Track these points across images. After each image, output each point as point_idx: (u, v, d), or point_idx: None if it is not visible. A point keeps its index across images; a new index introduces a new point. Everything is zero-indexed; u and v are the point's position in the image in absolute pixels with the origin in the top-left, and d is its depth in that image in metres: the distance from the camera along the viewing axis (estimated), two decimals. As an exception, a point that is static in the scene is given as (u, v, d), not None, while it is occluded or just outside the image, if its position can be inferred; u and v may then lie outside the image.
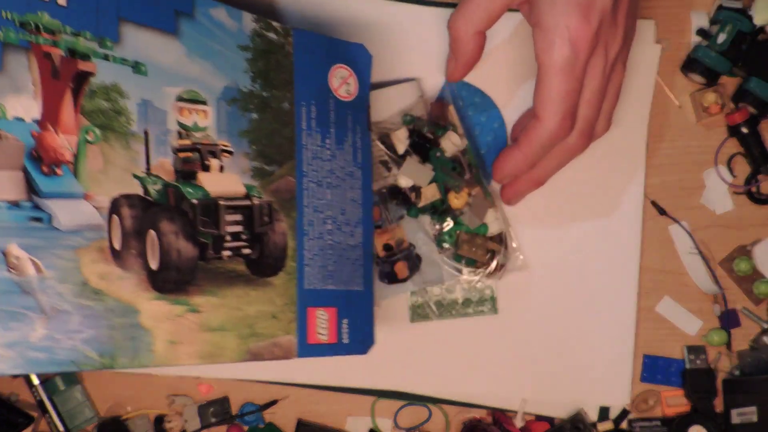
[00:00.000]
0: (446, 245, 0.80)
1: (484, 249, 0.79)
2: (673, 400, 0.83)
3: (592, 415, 0.82)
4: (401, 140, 0.78)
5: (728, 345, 0.83)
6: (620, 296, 0.82)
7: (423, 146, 0.78)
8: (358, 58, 0.76)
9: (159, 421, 0.84)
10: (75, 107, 0.57)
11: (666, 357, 0.83)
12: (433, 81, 0.83)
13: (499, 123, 0.83)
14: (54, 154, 0.57)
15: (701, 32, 0.82)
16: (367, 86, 0.77)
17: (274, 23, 0.70)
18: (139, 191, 0.61)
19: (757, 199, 0.83)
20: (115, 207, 0.59)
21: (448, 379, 0.82)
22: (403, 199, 0.79)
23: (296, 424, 0.84)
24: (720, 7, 0.82)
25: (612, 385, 0.82)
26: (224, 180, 0.66)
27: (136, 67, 0.61)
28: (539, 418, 0.83)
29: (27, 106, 0.55)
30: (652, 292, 0.83)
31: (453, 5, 0.83)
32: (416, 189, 0.78)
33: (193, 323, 0.62)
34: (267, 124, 0.69)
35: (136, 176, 0.61)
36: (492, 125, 0.83)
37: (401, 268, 0.79)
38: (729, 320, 0.82)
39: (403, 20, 0.83)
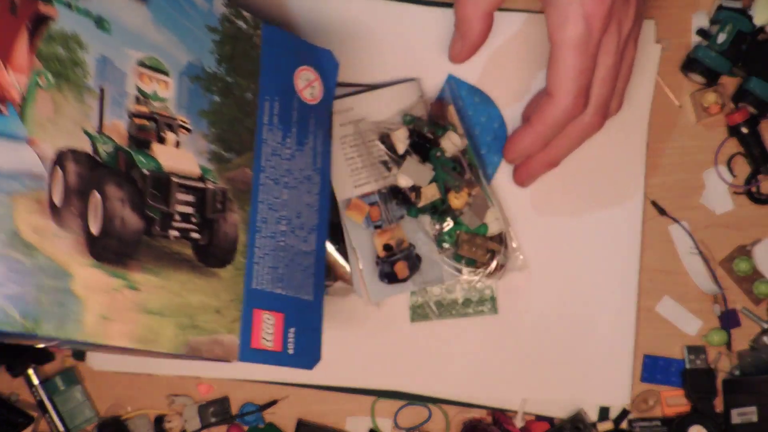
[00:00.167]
0: (446, 245, 0.80)
1: (484, 249, 0.79)
2: (673, 400, 0.83)
3: (592, 415, 0.82)
4: (401, 140, 0.78)
5: (728, 345, 0.83)
6: (620, 296, 0.82)
7: (423, 146, 0.78)
8: (325, 63, 0.76)
9: (159, 421, 0.84)
10: (30, 48, 0.56)
11: (666, 357, 0.83)
12: (433, 81, 0.83)
13: (499, 123, 0.83)
14: (1, 91, 0.55)
15: (701, 32, 0.82)
16: (331, 93, 0.76)
17: (245, 12, 0.70)
18: (88, 149, 0.59)
19: (757, 199, 0.83)
20: (60, 159, 0.56)
21: (448, 379, 0.82)
22: (403, 199, 0.79)
23: (296, 424, 0.84)
24: (720, 7, 0.82)
25: (612, 385, 0.82)
26: (179, 156, 0.64)
27: (99, 23, 0.60)
28: (539, 418, 0.83)
29: None
30: (652, 292, 0.83)
31: (453, 5, 0.83)
32: (416, 189, 0.78)
33: (130, 301, 0.59)
34: (228, 109, 0.67)
35: (86, 132, 0.58)
36: (492, 125, 0.83)
37: (401, 268, 0.79)
38: (729, 320, 0.82)
39: (403, 20, 0.83)
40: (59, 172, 0.57)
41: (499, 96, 0.83)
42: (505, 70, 0.83)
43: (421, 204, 0.78)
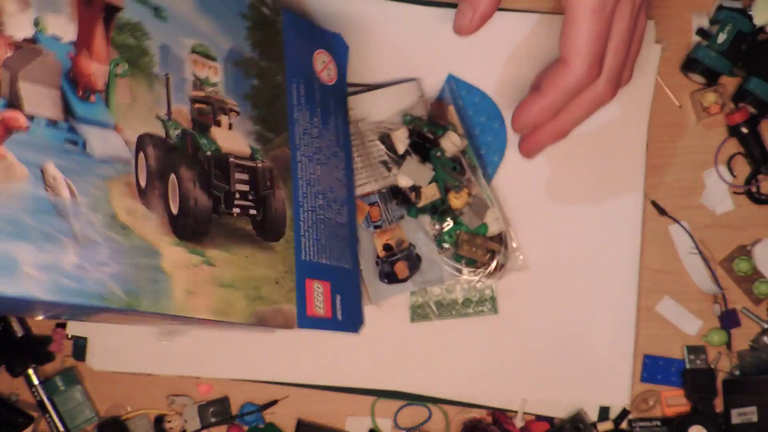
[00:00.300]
0: (446, 245, 0.80)
1: (484, 249, 0.79)
2: (673, 400, 0.83)
3: (592, 415, 0.82)
4: (401, 140, 0.78)
5: (728, 345, 0.83)
6: (620, 296, 0.82)
7: (423, 146, 0.78)
8: (336, 46, 0.79)
9: (159, 421, 0.84)
10: (106, 37, 0.59)
11: (666, 357, 0.83)
12: (433, 81, 0.83)
13: (499, 123, 0.83)
14: (88, 80, 0.58)
15: (701, 32, 0.82)
16: (344, 74, 0.79)
17: None
18: (162, 134, 0.62)
19: (757, 199, 0.83)
20: (141, 144, 0.60)
21: (448, 379, 0.82)
22: (403, 199, 0.79)
23: (296, 424, 0.84)
24: (720, 7, 0.82)
25: (612, 385, 0.82)
26: (232, 138, 0.67)
27: (157, 12, 0.63)
28: (539, 418, 0.83)
29: (64, 27, 0.57)
30: (652, 292, 0.83)
31: (453, 5, 0.83)
32: (416, 189, 0.78)
33: (207, 275, 0.62)
34: (265, 92, 0.70)
35: (159, 117, 0.62)
36: (492, 125, 0.83)
37: (401, 268, 0.79)
38: (729, 320, 0.82)
39: (402, 20, 0.83)
40: (142, 156, 0.60)
41: (499, 96, 0.83)
42: (505, 70, 0.83)
43: (421, 204, 0.78)
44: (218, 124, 0.66)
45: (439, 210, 0.79)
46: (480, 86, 0.83)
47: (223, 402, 0.84)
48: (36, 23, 0.55)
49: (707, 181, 0.84)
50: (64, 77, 0.57)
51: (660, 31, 0.83)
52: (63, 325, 0.84)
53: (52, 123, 0.55)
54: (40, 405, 0.84)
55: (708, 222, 0.83)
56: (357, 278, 0.77)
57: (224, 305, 0.63)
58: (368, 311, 0.81)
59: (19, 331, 0.84)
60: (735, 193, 0.84)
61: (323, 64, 0.76)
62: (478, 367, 0.82)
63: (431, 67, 0.83)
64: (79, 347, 0.84)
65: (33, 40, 0.55)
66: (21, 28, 0.55)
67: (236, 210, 0.66)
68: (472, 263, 0.79)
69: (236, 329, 0.73)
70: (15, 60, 0.54)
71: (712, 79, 0.82)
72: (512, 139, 0.83)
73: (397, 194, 0.79)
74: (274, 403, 0.84)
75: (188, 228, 0.62)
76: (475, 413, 0.83)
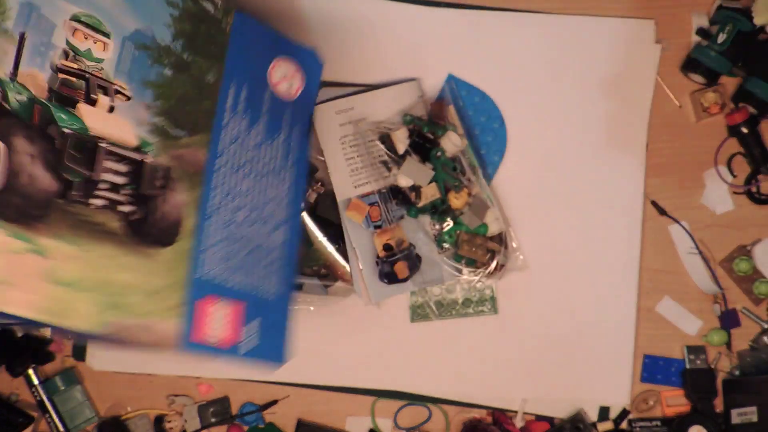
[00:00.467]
0: (446, 245, 0.80)
1: (484, 249, 0.79)
2: (673, 400, 0.83)
3: (592, 415, 0.82)
4: (401, 140, 0.78)
5: (728, 345, 0.83)
6: (620, 296, 0.82)
7: (423, 146, 0.78)
8: (308, 62, 0.74)
9: (159, 421, 0.84)
10: None
11: (666, 357, 0.83)
12: (433, 81, 0.83)
13: (499, 123, 0.83)
14: None
15: (701, 32, 0.82)
16: (313, 92, 0.74)
17: None
18: None
19: (757, 199, 0.83)
20: None
21: (448, 379, 0.82)
22: (403, 199, 0.79)
23: (296, 424, 0.84)
24: (720, 7, 0.82)
25: (612, 385, 0.82)
26: (112, 122, 0.60)
27: None
28: (539, 418, 0.83)
29: None
30: (652, 292, 0.83)
31: (453, 5, 0.83)
32: (416, 189, 0.78)
33: (34, 268, 0.54)
34: (181, 86, 0.64)
35: None
36: (492, 125, 0.83)
37: (401, 268, 0.79)
38: (729, 320, 0.82)
39: (403, 20, 0.83)
40: None
41: (499, 96, 0.83)
42: (505, 70, 0.83)
43: (421, 204, 0.78)
44: (92, 102, 0.59)
45: (439, 210, 0.79)
46: (480, 86, 0.83)
47: (223, 402, 0.84)
48: None
49: (707, 181, 0.84)
50: None
51: (660, 31, 0.83)
52: (63, 325, 0.84)
53: None
54: (40, 405, 0.84)
55: (708, 222, 0.83)
56: (283, 309, 0.68)
57: (56, 305, 0.54)
58: (368, 311, 0.81)
59: (19, 331, 0.84)
60: (735, 193, 0.84)
61: (283, 76, 0.71)
62: (478, 367, 0.82)
63: (431, 67, 0.83)
64: (79, 347, 0.84)
65: None
66: None
67: (98, 201, 0.58)
68: (472, 263, 0.79)
69: (84, 339, 0.64)
70: None
71: (712, 79, 0.82)
72: (512, 139, 0.83)
73: (397, 194, 0.79)
74: (274, 403, 0.84)
75: (12, 206, 0.54)
76: (475, 413, 0.83)
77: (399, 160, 0.78)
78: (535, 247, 0.82)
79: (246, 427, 0.84)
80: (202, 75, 0.65)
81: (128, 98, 0.61)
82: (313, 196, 0.81)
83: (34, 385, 0.84)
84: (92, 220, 0.58)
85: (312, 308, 0.82)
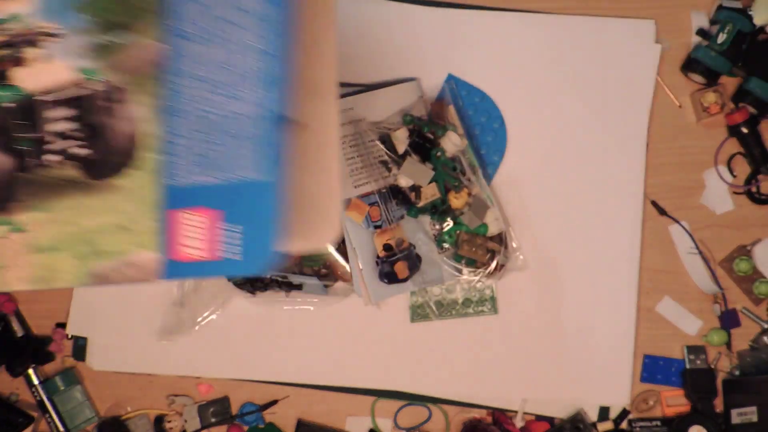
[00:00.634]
0: (446, 245, 0.80)
1: (484, 249, 0.79)
2: (673, 400, 0.83)
3: (592, 415, 0.82)
4: (401, 140, 0.78)
5: (728, 345, 0.83)
6: (620, 296, 0.82)
7: (423, 146, 0.78)
8: None
9: (159, 421, 0.84)
10: None
11: (666, 357, 0.83)
12: (433, 81, 0.83)
13: (499, 123, 0.83)
14: None
15: (701, 32, 0.82)
16: None
17: None
18: None
19: (757, 199, 0.83)
20: None
21: (448, 379, 0.82)
22: (403, 199, 0.79)
23: (296, 424, 0.84)
24: (720, 7, 0.82)
25: (612, 385, 0.82)
26: (45, 71, 0.56)
27: None
28: (539, 418, 0.83)
29: None
30: (652, 292, 0.83)
31: (453, 5, 0.83)
32: (416, 189, 0.78)
33: (18, 244, 0.54)
34: None
35: None
36: (492, 125, 0.83)
37: (401, 268, 0.79)
38: (729, 320, 0.82)
39: (403, 20, 0.83)
40: None
41: (499, 96, 0.83)
42: (505, 70, 0.83)
43: (421, 204, 0.78)
44: (20, 62, 0.56)
45: (439, 210, 0.79)
46: (480, 86, 0.83)
47: (223, 402, 0.84)
48: None
49: (707, 181, 0.84)
50: None
51: (660, 31, 0.83)
52: (63, 325, 0.84)
53: None
54: (40, 405, 0.84)
55: (708, 222, 0.83)
56: (275, 194, 0.54)
57: (44, 272, 0.54)
58: (368, 311, 0.81)
59: (19, 331, 0.84)
60: (735, 193, 0.84)
61: None
62: (478, 367, 0.82)
63: (431, 67, 0.83)
64: (79, 347, 0.84)
65: None
66: None
67: (52, 158, 0.55)
68: (472, 263, 0.80)
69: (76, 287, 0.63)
70: None
71: (712, 79, 0.82)
72: (512, 139, 0.83)
73: (397, 194, 0.79)
74: (274, 403, 0.84)
75: None
76: (475, 413, 0.83)
77: (399, 160, 0.78)
78: (535, 247, 0.82)
79: (246, 427, 0.84)
80: None
81: (57, 36, 0.56)
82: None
83: (34, 385, 0.84)
84: (53, 177, 0.56)
85: (312, 308, 0.82)
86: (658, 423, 0.82)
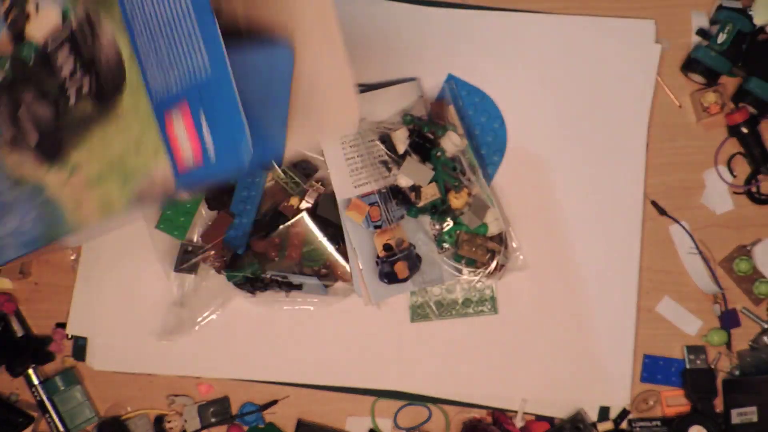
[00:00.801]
0: (446, 245, 0.80)
1: (484, 249, 0.79)
2: (673, 400, 0.83)
3: (592, 415, 0.82)
4: (401, 140, 0.78)
5: (728, 345, 0.82)
6: (620, 296, 0.82)
7: (423, 146, 0.78)
8: None
9: (159, 421, 0.84)
10: None
11: (666, 357, 0.83)
12: (433, 81, 0.83)
13: (499, 123, 0.83)
14: None
15: (701, 32, 0.82)
16: None
17: None
18: None
19: (757, 199, 0.83)
20: None
21: (448, 379, 0.82)
22: (403, 199, 0.79)
23: (296, 424, 0.84)
24: (720, 7, 0.82)
25: (612, 385, 0.82)
26: (44, 19, 0.60)
27: None
28: (539, 418, 0.83)
29: None
30: (652, 292, 0.83)
31: (453, 5, 0.83)
32: (416, 189, 0.78)
33: (80, 182, 0.61)
34: None
35: None
36: (492, 125, 0.83)
37: (401, 268, 0.79)
38: (729, 320, 0.82)
39: (403, 20, 0.83)
40: None
41: (499, 96, 0.83)
42: (505, 70, 0.83)
43: (421, 204, 0.78)
44: (28, 18, 0.60)
45: (439, 210, 0.79)
46: (480, 86, 0.83)
47: (223, 402, 0.84)
48: None
49: (707, 181, 0.84)
50: None
51: (660, 31, 0.83)
52: (63, 325, 0.84)
53: None
54: (40, 405, 0.84)
55: (708, 222, 0.83)
56: (226, 88, 0.53)
57: (105, 202, 0.60)
58: (368, 311, 0.81)
59: (19, 331, 0.84)
60: (735, 193, 0.84)
61: None
62: (478, 367, 0.82)
63: (431, 67, 0.83)
64: (79, 347, 0.84)
65: None
66: None
67: (73, 98, 0.60)
68: (472, 263, 0.79)
69: (129, 219, 0.69)
70: None
71: (712, 79, 0.82)
72: (512, 139, 0.83)
73: (397, 194, 0.79)
74: (274, 403, 0.84)
75: (45, 148, 0.60)
76: (475, 413, 0.83)
77: (399, 160, 0.78)
78: (535, 247, 0.82)
79: (246, 427, 0.84)
80: None
81: None
82: (313, 196, 0.81)
83: (34, 385, 0.84)
84: (77, 116, 0.61)
85: (312, 308, 0.82)
86: (658, 423, 0.82)
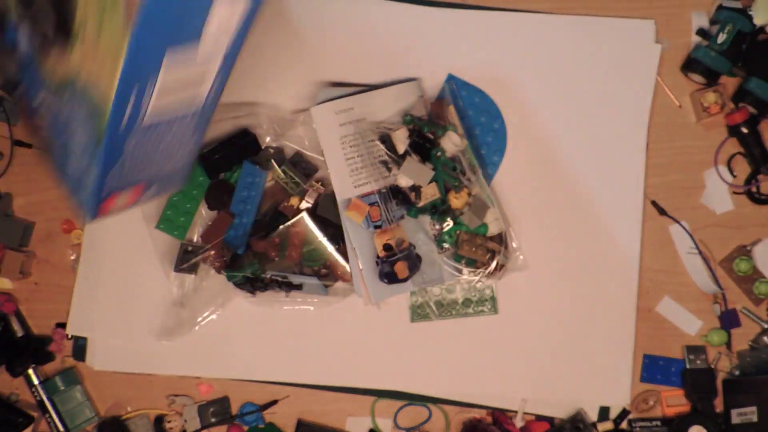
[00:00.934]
0: (446, 245, 0.80)
1: (484, 249, 0.79)
2: (673, 400, 0.83)
3: (592, 415, 0.82)
4: (401, 140, 0.78)
5: (728, 345, 0.83)
6: (620, 296, 0.82)
7: (423, 146, 0.78)
8: None
9: (159, 421, 0.84)
10: None
11: (666, 357, 0.83)
12: (433, 81, 0.83)
13: (499, 123, 0.83)
14: None
15: (701, 32, 0.82)
16: None
17: None
18: None
19: (757, 199, 0.83)
20: None
21: (448, 379, 0.82)
22: (403, 199, 0.79)
23: (296, 424, 0.84)
24: (720, 7, 0.82)
25: (612, 385, 0.82)
26: None
27: None
28: (539, 418, 0.83)
29: None
30: (652, 292, 0.83)
31: (453, 5, 0.83)
32: (416, 189, 0.78)
33: (88, 48, 0.63)
34: None
35: None
36: (492, 125, 0.83)
37: (401, 268, 0.79)
38: (729, 320, 0.82)
39: (403, 20, 0.83)
40: None
41: (499, 96, 0.83)
42: (505, 70, 0.83)
43: (421, 204, 0.78)
44: None
45: (439, 210, 0.79)
46: (480, 86, 0.83)
47: (223, 402, 0.84)
48: None
49: (707, 181, 0.84)
50: None
51: (660, 31, 0.83)
52: (63, 325, 0.84)
53: None
54: (40, 405, 0.84)
55: (708, 222, 0.83)
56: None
57: (110, 48, 0.62)
58: (368, 311, 0.81)
59: (19, 331, 0.84)
60: (735, 193, 0.84)
61: None
62: (479, 367, 0.82)
63: (431, 67, 0.83)
64: (79, 347, 0.84)
65: None
66: None
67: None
68: (472, 263, 0.79)
69: None
70: None
71: (712, 79, 0.82)
72: (512, 139, 0.83)
73: (397, 194, 0.79)
74: (274, 403, 0.84)
75: (64, 25, 0.64)
76: (475, 413, 0.83)
77: (399, 160, 0.78)
78: (535, 247, 0.82)
79: (246, 427, 0.84)
80: None
81: None
82: (313, 196, 0.81)
83: (34, 385, 0.84)
84: None
85: (312, 308, 0.82)
86: (658, 423, 0.82)
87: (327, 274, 0.81)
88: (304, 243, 0.80)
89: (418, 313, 0.82)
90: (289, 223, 0.81)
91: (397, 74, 0.83)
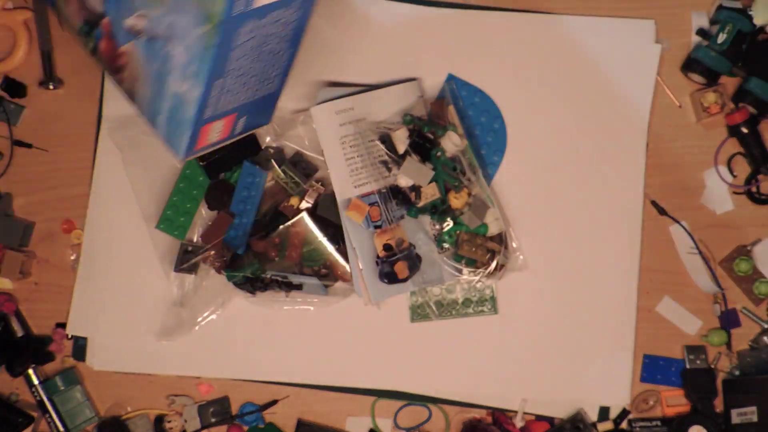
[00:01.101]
0: (446, 245, 0.80)
1: (484, 249, 0.79)
2: (673, 400, 0.83)
3: (592, 415, 0.82)
4: (401, 140, 0.78)
5: (728, 345, 0.82)
6: (620, 296, 0.82)
7: (423, 146, 0.78)
8: None
9: (159, 421, 0.84)
10: None
11: (666, 357, 0.83)
12: (433, 81, 0.83)
13: (499, 123, 0.83)
14: None
15: (701, 32, 0.82)
16: None
17: None
18: None
19: (757, 199, 0.83)
20: None
21: (448, 379, 0.82)
22: (403, 199, 0.79)
23: (296, 424, 0.84)
24: (720, 7, 0.82)
25: (612, 385, 0.82)
26: None
27: None
28: (539, 418, 0.83)
29: None
30: (652, 292, 0.83)
31: (453, 5, 0.83)
32: (416, 189, 0.78)
33: None
34: None
35: None
36: (492, 125, 0.83)
37: (401, 268, 0.79)
38: (729, 320, 0.82)
39: (403, 20, 0.83)
40: None
41: (499, 96, 0.83)
42: (505, 70, 0.83)
43: (421, 204, 0.78)
44: None
45: (439, 210, 0.79)
46: (480, 86, 0.83)
47: (223, 402, 0.84)
48: None
49: (707, 181, 0.84)
50: None
51: (660, 31, 0.83)
52: (63, 325, 0.84)
53: None
54: (40, 405, 0.84)
55: (708, 222, 0.83)
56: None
57: None
58: (368, 311, 0.81)
59: (19, 331, 0.84)
60: (735, 193, 0.84)
61: None
62: (478, 367, 0.82)
63: (431, 67, 0.83)
64: (79, 347, 0.84)
65: None
66: None
67: None
68: (472, 263, 0.79)
69: None
70: None
71: (712, 79, 0.82)
72: (512, 139, 0.83)
73: (397, 194, 0.79)
74: (274, 403, 0.84)
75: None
76: (475, 413, 0.83)
77: (399, 160, 0.78)
78: (535, 247, 0.82)
79: (246, 427, 0.84)
80: None
81: None
82: (313, 196, 0.81)
83: (34, 385, 0.84)
84: None
85: (312, 308, 0.82)
86: (658, 423, 0.82)
87: (327, 274, 0.81)
88: (304, 243, 0.80)
89: (418, 313, 0.82)
90: (289, 223, 0.81)
91: (397, 74, 0.83)
